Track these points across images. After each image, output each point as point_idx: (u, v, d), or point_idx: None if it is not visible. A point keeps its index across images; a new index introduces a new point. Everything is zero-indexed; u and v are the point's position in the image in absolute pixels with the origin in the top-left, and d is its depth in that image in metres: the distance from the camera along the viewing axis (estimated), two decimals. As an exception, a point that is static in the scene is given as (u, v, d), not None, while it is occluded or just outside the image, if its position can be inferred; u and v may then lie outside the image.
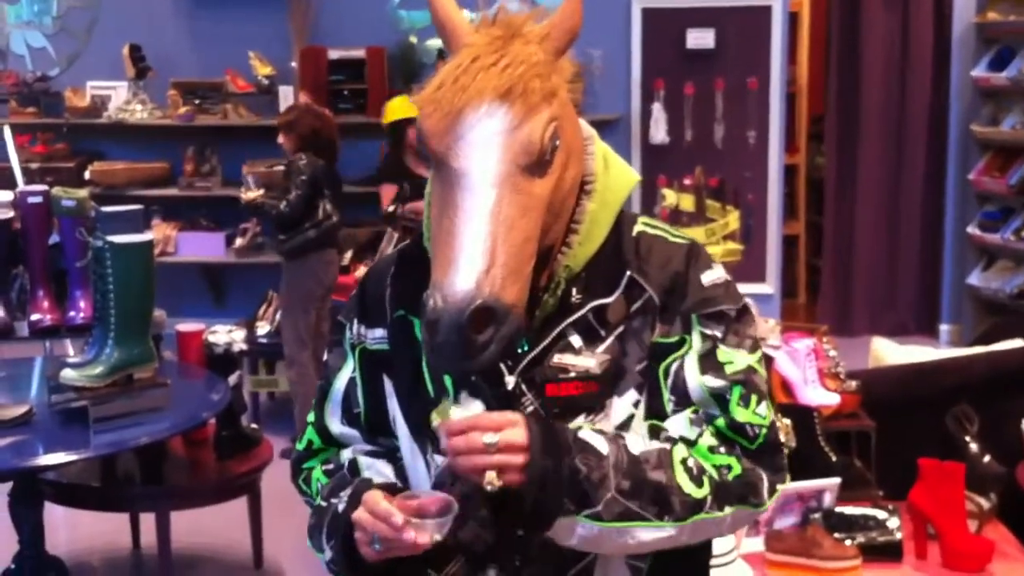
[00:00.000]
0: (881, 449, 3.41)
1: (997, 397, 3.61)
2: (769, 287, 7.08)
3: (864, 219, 7.49)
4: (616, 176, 1.53)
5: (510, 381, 1.45)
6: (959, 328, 7.17)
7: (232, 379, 4.02)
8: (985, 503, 3.20)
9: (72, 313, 4.04)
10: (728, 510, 1.42)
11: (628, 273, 1.49)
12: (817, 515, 3.19)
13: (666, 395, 1.48)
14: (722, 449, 1.44)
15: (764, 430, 1.45)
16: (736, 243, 5.56)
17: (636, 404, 1.48)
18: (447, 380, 1.48)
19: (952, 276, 7.29)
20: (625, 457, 1.39)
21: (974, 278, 7.03)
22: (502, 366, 1.45)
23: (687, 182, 6.16)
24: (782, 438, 1.50)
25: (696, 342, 1.47)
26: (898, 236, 7.50)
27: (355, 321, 1.62)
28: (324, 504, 1.56)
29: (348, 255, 6.34)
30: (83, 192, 4.08)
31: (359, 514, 1.43)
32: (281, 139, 5.59)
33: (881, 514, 3.17)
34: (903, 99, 7.40)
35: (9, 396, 3.54)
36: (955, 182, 7.24)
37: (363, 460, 1.60)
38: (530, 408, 1.46)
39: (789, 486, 3.21)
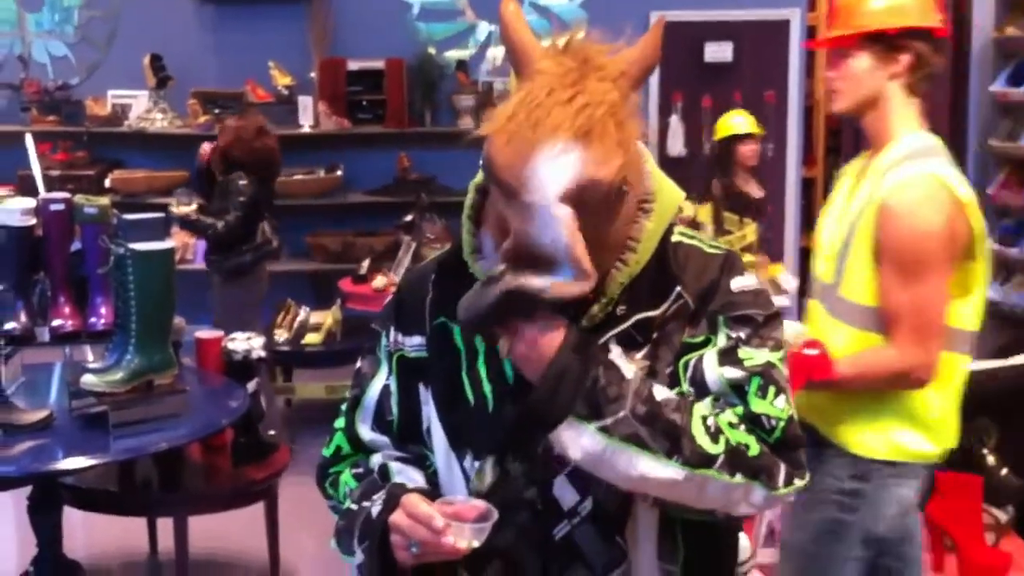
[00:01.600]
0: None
1: (1015, 411, 3.60)
2: (786, 299, 7.07)
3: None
4: (667, 193, 1.55)
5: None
6: (977, 342, 7.13)
7: (251, 386, 4.04)
8: (1003, 516, 3.20)
9: (93, 319, 4.07)
10: (739, 479, 1.42)
11: (677, 288, 1.52)
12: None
13: (685, 387, 1.49)
14: (742, 427, 1.45)
15: (782, 423, 1.45)
16: (753, 255, 5.55)
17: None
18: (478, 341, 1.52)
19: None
20: (647, 389, 1.42)
21: (992, 292, 7.00)
22: None
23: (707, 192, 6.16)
24: (800, 443, 1.49)
25: (720, 340, 1.49)
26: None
27: (392, 329, 1.62)
28: (355, 507, 1.56)
29: (365, 264, 6.37)
30: (105, 200, 4.10)
31: (397, 517, 1.44)
32: (209, 154, 5.52)
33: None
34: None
35: (29, 401, 3.56)
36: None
37: (394, 465, 1.61)
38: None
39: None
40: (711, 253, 1.57)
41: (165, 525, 4.11)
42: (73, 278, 4.15)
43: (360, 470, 1.63)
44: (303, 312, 6.12)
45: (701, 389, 1.48)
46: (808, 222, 7.88)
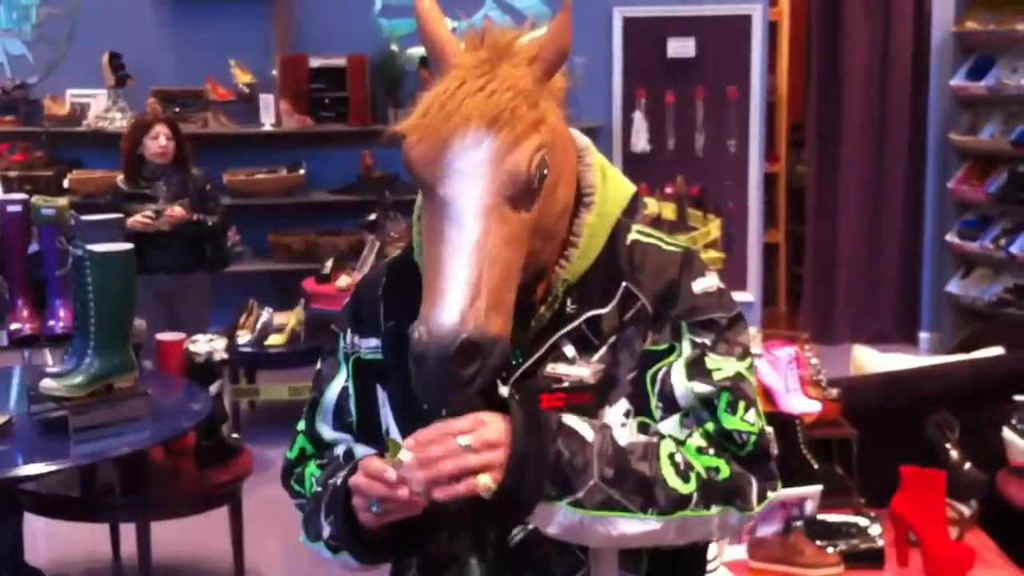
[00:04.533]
0: (863, 457, 3.42)
1: (977, 405, 3.63)
2: (750, 295, 7.10)
3: (845, 227, 7.52)
4: (613, 187, 1.52)
5: (504, 391, 1.43)
6: (939, 336, 7.20)
7: (213, 388, 4.00)
8: (966, 510, 3.22)
9: (52, 322, 4.02)
10: (715, 509, 1.40)
11: (624, 284, 1.48)
12: (799, 523, 3.20)
13: (653, 401, 1.46)
14: (711, 451, 1.43)
15: (753, 437, 1.43)
16: (717, 251, 5.57)
17: (627, 414, 1.46)
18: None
19: (931, 284, 7.33)
20: (610, 446, 1.38)
21: (953, 286, 7.06)
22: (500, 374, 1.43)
23: (668, 191, 6.18)
24: (773, 453, 1.47)
25: (685, 349, 1.46)
26: (878, 244, 7.53)
27: (348, 331, 1.60)
28: (319, 489, 1.55)
29: (329, 263, 6.33)
30: (63, 201, 4.06)
31: (355, 478, 1.40)
32: (167, 149, 5.40)
33: (863, 521, 3.18)
34: (882, 108, 7.44)
35: (-12, 405, 3.52)
36: (934, 190, 7.28)
37: (359, 449, 1.58)
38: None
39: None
40: (669, 251, 1.53)
41: (128, 530, 4.07)
42: (31, 280, 4.11)
43: (325, 460, 1.62)
44: (266, 313, 6.07)
45: (670, 404, 1.46)
46: (771, 218, 7.94)
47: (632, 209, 1.57)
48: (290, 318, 6.10)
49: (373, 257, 6.22)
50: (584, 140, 1.54)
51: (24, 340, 4.04)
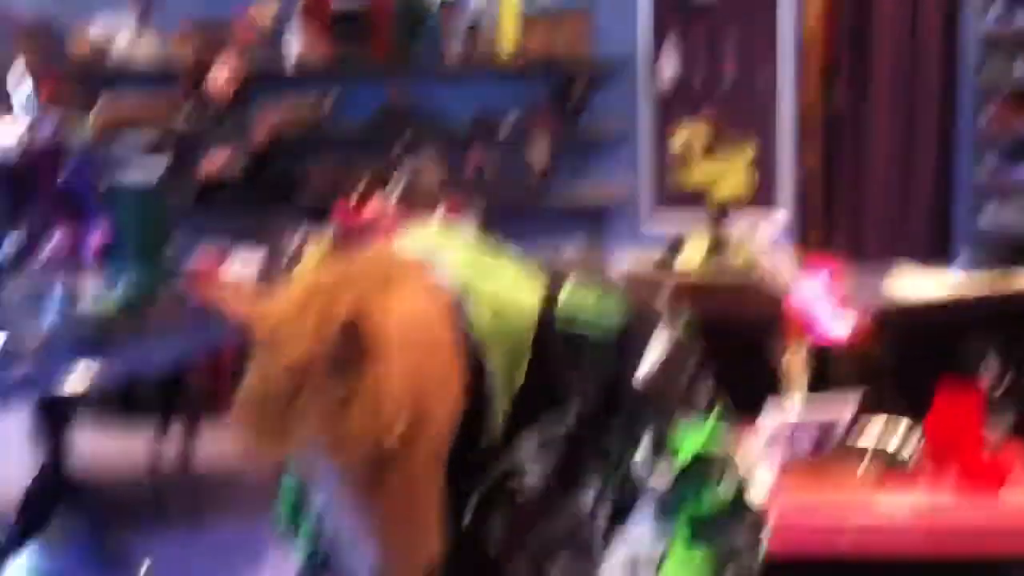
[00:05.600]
0: (897, 378, 3.42)
1: (1014, 324, 3.61)
2: (784, 218, 7.08)
3: (878, 152, 7.48)
4: (514, 312, 1.35)
5: (469, 510, 1.40)
6: (973, 259, 7.16)
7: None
8: (1002, 425, 3.22)
9: (87, 244, 4.06)
10: None
11: (565, 389, 1.38)
12: (832, 443, 3.21)
13: (621, 486, 1.43)
14: (694, 551, 1.40)
15: (728, 506, 1.41)
16: (751, 174, 5.53)
17: (596, 500, 1.43)
18: None
19: (963, 214, 7.29)
20: None
21: (986, 218, 7.03)
22: (461, 492, 1.38)
23: (697, 117, 6.13)
24: (751, 498, 1.44)
25: (644, 441, 1.40)
26: (912, 169, 7.47)
27: None
28: None
29: (357, 193, 6.31)
30: (93, 128, 4.08)
31: None
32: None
33: (898, 434, 3.19)
34: (914, 38, 7.35)
35: (28, 324, 3.56)
36: (968, 124, 7.21)
37: None
38: (497, 530, 1.42)
39: (804, 415, 3.23)
40: (602, 340, 1.38)
41: (169, 441, 4.15)
42: (67, 203, 4.14)
43: None
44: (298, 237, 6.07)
45: (640, 490, 1.42)
46: (804, 142, 7.88)
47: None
48: (319, 246, 6.10)
49: (401, 187, 6.20)
50: (457, 287, 1.31)
51: (60, 262, 4.08)
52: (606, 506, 1.45)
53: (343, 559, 1.30)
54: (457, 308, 1.30)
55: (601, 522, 1.45)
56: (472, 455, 1.35)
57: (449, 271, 1.31)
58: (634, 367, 1.39)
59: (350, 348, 1.15)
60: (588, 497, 1.44)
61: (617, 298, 1.40)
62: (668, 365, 1.40)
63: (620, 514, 1.46)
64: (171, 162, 5.24)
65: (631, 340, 1.39)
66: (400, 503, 1.23)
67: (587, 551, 1.45)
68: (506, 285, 1.37)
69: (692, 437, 1.40)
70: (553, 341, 1.37)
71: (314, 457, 1.21)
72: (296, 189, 5.52)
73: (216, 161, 5.12)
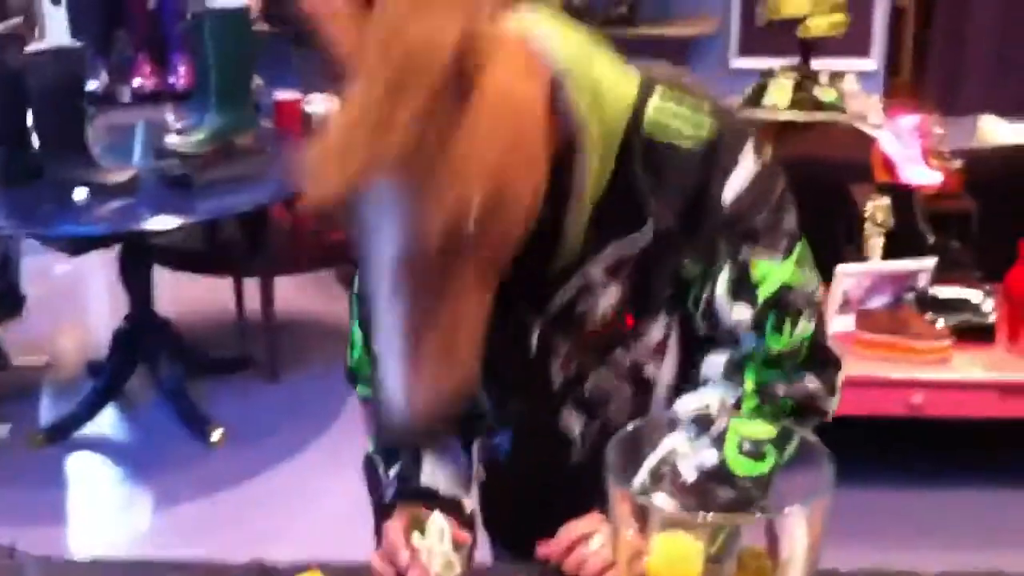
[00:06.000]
0: (982, 231, 3.36)
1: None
2: (873, 62, 6.85)
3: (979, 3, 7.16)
4: (610, 102, 1.26)
5: (534, 335, 1.37)
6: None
7: (330, 148, 4.05)
8: (1085, 287, 3.16)
9: (172, 79, 4.09)
10: (796, 439, 1.22)
11: (646, 204, 1.31)
12: (911, 295, 3.19)
13: (698, 321, 1.39)
14: (766, 404, 1.37)
15: (805, 347, 1.36)
16: (842, 14, 5.34)
17: (668, 326, 1.41)
18: None
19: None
20: (693, 500, 1.30)
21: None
22: (529, 315, 1.35)
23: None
24: (828, 341, 1.39)
25: (725, 268, 1.33)
26: (1016, 9, 7.16)
27: None
28: (379, 462, 1.51)
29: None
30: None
31: (373, 559, 1.41)
32: None
33: (976, 296, 3.16)
34: None
35: (113, 161, 3.61)
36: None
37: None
38: (562, 357, 1.38)
39: (883, 265, 3.21)
40: (689, 150, 1.28)
41: (251, 285, 4.23)
42: (152, 37, 4.16)
43: None
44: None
45: (715, 324, 1.37)
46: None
47: (645, 93, 1.30)
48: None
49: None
50: (560, 66, 1.22)
51: (146, 96, 4.13)
52: (675, 340, 1.42)
53: (384, 384, 1.23)
54: (557, 87, 1.21)
55: (669, 359, 1.43)
56: (545, 274, 1.31)
57: (553, 48, 1.22)
58: (721, 185, 1.29)
59: (456, 81, 1.04)
60: (658, 328, 1.40)
61: (709, 110, 1.30)
62: (757, 187, 1.31)
63: (694, 349, 1.42)
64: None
65: (720, 155, 1.29)
66: (448, 311, 1.15)
67: (648, 390, 1.44)
68: (606, 74, 1.28)
69: (778, 268, 1.33)
70: (640, 146, 1.28)
71: (386, 212, 1.10)
72: None
73: None
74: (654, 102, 1.29)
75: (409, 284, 1.13)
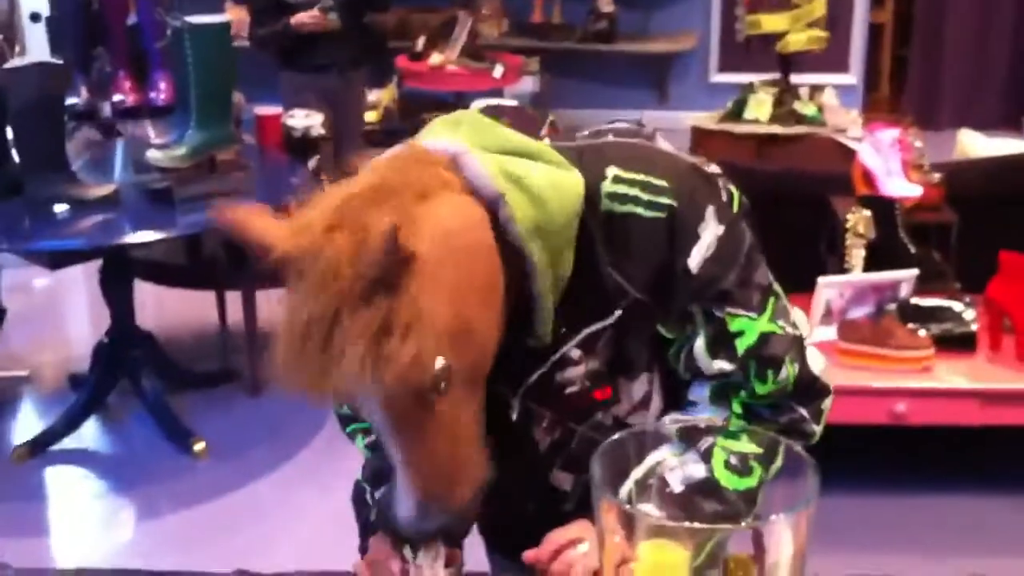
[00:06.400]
0: (962, 242, 3.39)
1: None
2: (852, 77, 6.91)
3: (955, 7, 7.21)
4: (554, 202, 1.25)
5: (515, 406, 1.37)
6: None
7: (311, 163, 4.05)
8: (1065, 297, 3.19)
9: (153, 94, 4.08)
10: (779, 461, 1.24)
11: (613, 281, 1.31)
12: (892, 306, 3.21)
13: (680, 372, 1.39)
14: (752, 426, 1.36)
15: (790, 386, 1.35)
16: (821, 30, 5.39)
17: (650, 381, 1.41)
18: None
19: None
20: (680, 512, 1.31)
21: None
22: (506, 390, 1.36)
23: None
24: (814, 371, 1.38)
25: (701, 328, 1.34)
26: (990, 26, 7.22)
27: None
28: (365, 488, 1.50)
29: (421, 41, 6.26)
30: (160, -30, 4.05)
31: (362, 563, 1.42)
32: None
33: (957, 306, 3.18)
34: None
35: (94, 176, 3.60)
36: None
37: None
38: (545, 423, 1.39)
39: (865, 276, 3.23)
40: (650, 218, 1.28)
41: (233, 298, 4.22)
42: (132, 52, 4.15)
43: (373, 438, 1.50)
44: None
45: (698, 373, 1.37)
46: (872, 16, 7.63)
47: (597, 178, 1.29)
48: (383, 95, 6.09)
49: (465, 35, 6.13)
50: (492, 190, 1.22)
51: (127, 112, 4.11)
52: (658, 395, 1.42)
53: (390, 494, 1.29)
54: (495, 208, 1.22)
55: (653, 411, 1.43)
56: (519, 354, 1.32)
57: (483, 169, 1.23)
58: (686, 255, 1.29)
59: (389, 266, 1.08)
60: (640, 385, 1.40)
61: (666, 186, 1.29)
62: (723, 250, 1.30)
63: (674, 404, 1.43)
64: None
65: (681, 230, 1.29)
66: (443, 436, 1.19)
67: (640, 442, 1.44)
68: (545, 175, 1.26)
69: (755, 322, 1.33)
70: (599, 224, 1.29)
71: (358, 392, 1.16)
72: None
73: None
74: (608, 181, 1.30)
75: (397, 428, 1.18)
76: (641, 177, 1.29)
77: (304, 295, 1.12)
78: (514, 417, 1.36)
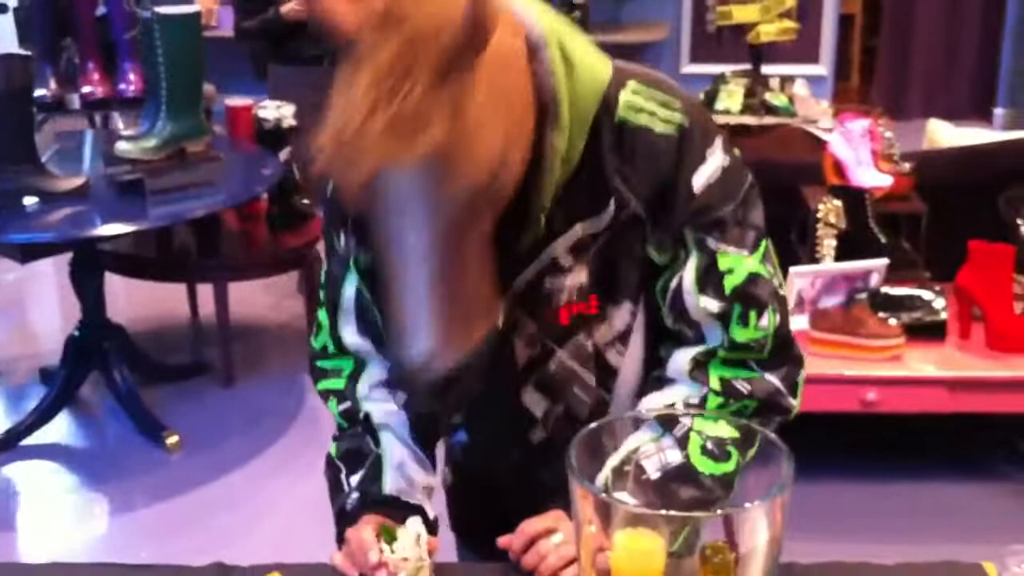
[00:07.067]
0: (932, 232, 3.41)
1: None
2: (823, 68, 6.95)
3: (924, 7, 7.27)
4: (584, 77, 1.27)
5: (501, 310, 1.34)
6: (1015, 112, 7.03)
7: (283, 155, 4.04)
8: (1033, 285, 3.22)
9: (123, 86, 4.05)
10: (758, 442, 1.26)
11: (613, 185, 1.31)
12: (863, 295, 3.23)
13: (664, 310, 1.39)
14: (731, 402, 1.37)
15: (769, 339, 1.36)
16: (791, 21, 5.40)
17: (633, 314, 1.40)
18: None
19: (1011, 59, 7.11)
20: (657, 498, 1.31)
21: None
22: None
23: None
24: (791, 331, 1.40)
25: (692, 257, 1.34)
26: (958, 16, 7.27)
27: (341, 234, 1.45)
28: (340, 468, 1.50)
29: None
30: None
31: (336, 559, 1.40)
32: None
33: (927, 295, 3.20)
34: None
35: (64, 168, 3.57)
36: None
37: (376, 417, 1.50)
38: (527, 336, 1.38)
39: (835, 267, 3.25)
40: (661, 135, 1.29)
41: (204, 290, 4.20)
42: (101, 44, 4.12)
43: (347, 405, 1.51)
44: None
45: (681, 314, 1.36)
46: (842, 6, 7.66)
47: (618, 80, 1.31)
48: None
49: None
50: (538, 32, 1.24)
51: (96, 103, 4.09)
52: (640, 327, 1.41)
53: (391, 348, 1.26)
54: (535, 54, 1.23)
55: (634, 349, 1.42)
56: (512, 248, 1.30)
57: (531, 17, 1.25)
58: (691, 172, 1.30)
59: (470, 37, 1.06)
60: (623, 315, 1.39)
61: (681, 106, 1.31)
62: (726, 180, 1.32)
63: (660, 342, 1.42)
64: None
65: (691, 146, 1.30)
66: (468, 269, 1.19)
67: (611, 377, 1.43)
68: (581, 52, 1.28)
69: (745, 260, 1.34)
70: (611, 129, 1.29)
71: (415, 186, 1.11)
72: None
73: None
74: (628, 90, 1.31)
75: (436, 249, 1.15)
76: (659, 95, 1.32)
77: (374, 68, 1.06)
78: (499, 323, 1.34)
